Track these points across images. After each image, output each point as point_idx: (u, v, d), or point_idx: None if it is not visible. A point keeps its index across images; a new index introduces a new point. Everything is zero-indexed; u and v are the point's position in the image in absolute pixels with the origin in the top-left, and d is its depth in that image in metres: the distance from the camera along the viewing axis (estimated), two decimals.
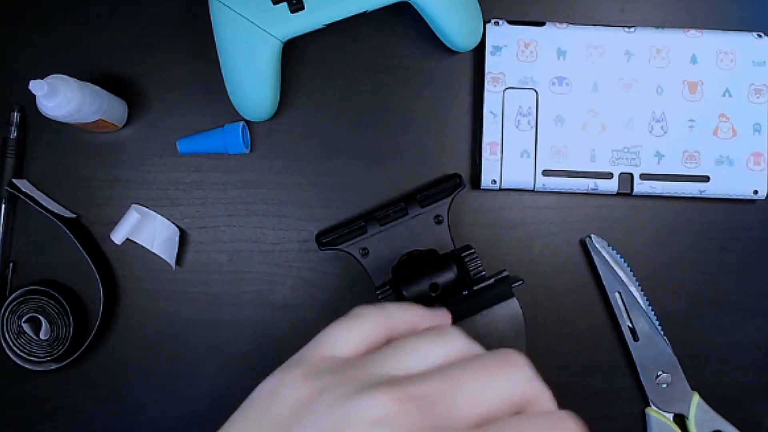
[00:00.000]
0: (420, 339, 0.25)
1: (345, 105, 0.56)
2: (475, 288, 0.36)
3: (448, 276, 0.41)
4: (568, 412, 0.23)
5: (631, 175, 0.55)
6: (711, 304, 0.56)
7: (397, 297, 0.41)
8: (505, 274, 0.37)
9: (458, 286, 0.41)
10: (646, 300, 0.55)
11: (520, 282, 0.36)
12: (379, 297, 0.41)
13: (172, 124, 0.56)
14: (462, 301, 0.36)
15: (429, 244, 0.49)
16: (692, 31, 0.55)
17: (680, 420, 0.55)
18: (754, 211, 0.57)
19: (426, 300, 0.41)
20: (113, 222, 0.55)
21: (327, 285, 0.56)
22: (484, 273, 0.40)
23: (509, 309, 0.34)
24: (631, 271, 0.55)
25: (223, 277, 0.56)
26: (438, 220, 0.49)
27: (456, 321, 0.33)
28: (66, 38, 0.56)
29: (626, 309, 0.55)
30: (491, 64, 0.55)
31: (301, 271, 0.56)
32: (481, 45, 0.55)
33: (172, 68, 0.56)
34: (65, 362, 0.54)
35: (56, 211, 0.54)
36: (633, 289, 0.55)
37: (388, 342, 0.26)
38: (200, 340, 0.56)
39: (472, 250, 0.41)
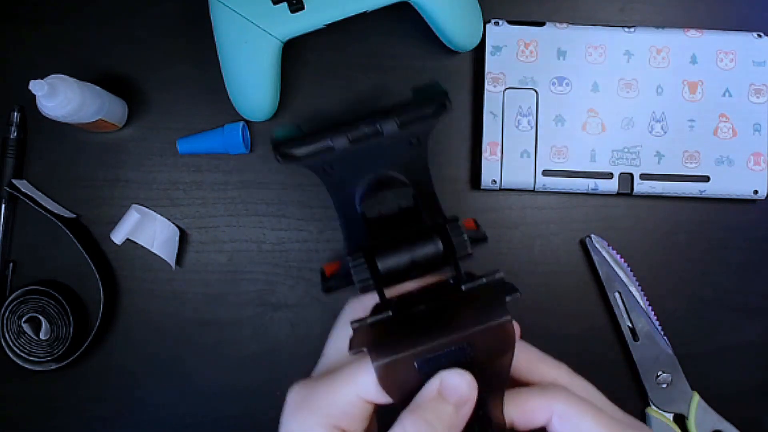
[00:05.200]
0: None
1: (345, 105, 0.56)
2: (464, 288, 0.32)
3: (430, 250, 0.35)
4: None
5: (631, 175, 0.55)
6: (711, 304, 0.56)
7: (371, 270, 0.35)
8: (499, 275, 0.32)
9: (442, 261, 0.36)
10: (646, 300, 0.55)
11: (516, 294, 0.32)
12: (351, 266, 0.35)
13: (172, 124, 0.56)
14: (448, 304, 0.32)
15: (403, 169, 0.43)
16: (692, 31, 0.55)
17: (680, 420, 0.55)
18: (754, 211, 0.57)
19: (403, 276, 0.36)
20: (113, 222, 0.55)
21: None
22: (470, 252, 0.35)
23: (501, 329, 0.30)
24: (631, 271, 0.55)
25: (223, 277, 0.56)
26: (415, 141, 0.43)
27: (444, 332, 0.29)
28: (66, 38, 0.56)
29: (626, 309, 0.55)
30: (491, 64, 0.55)
31: (301, 271, 0.56)
32: (481, 45, 0.55)
33: (172, 68, 0.56)
34: (65, 362, 0.54)
35: (56, 211, 0.54)
36: (633, 289, 0.55)
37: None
38: (200, 340, 0.56)
39: (458, 223, 0.36)
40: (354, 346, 0.29)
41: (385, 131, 0.42)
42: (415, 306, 0.32)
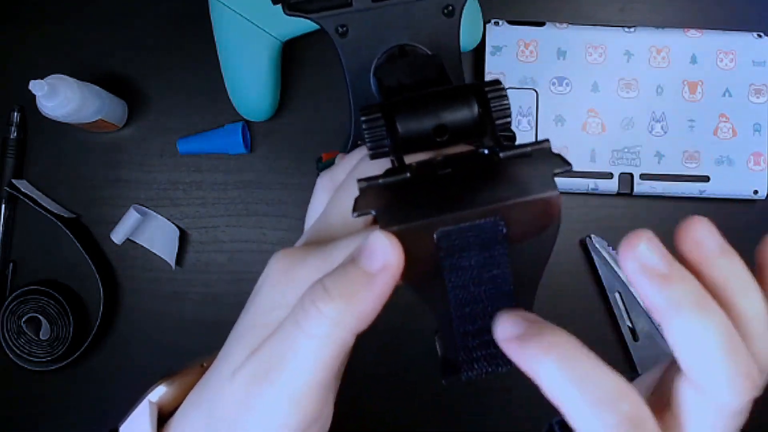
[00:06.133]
0: None
1: (345, 105, 0.56)
2: (502, 155, 0.25)
3: (464, 115, 0.28)
4: None
5: (631, 175, 0.55)
6: None
7: (389, 129, 0.27)
8: (546, 145, 0.25)
9: (474, 132, 0.28)
10: None
11: (568, 168, 0.25)
12: (364, 123, 0.28)
13: (172, 124, 0.56)
14: (481, 172, 0.25)
15: (429, 42, 0.37)
16: (692, 31, 0.55)
17: None
18: (754, 211, 0.57)
19: (426, 145, 0.28)
20: (113, 222, 0.55)
21: None
22: (510, 120, 0.28)
23: (545, 205, 0.23)
24: None
25: (223, 277, 0.56)
26: (448, 11, 0.37)
27: (474, 201, 0.23)
28: (66, 38, 0.56)
29: (626, 309, 0.55)
30: (491, 64, 0.55)
31: None
32: (481, 45, 0.55)
33: (172, 68, 0.56)
34: (65, 362, 0.54)
35: (56, 211, 0.54)
36: (633, 289, 0.55)
37: None
38: (200, 340, 0.56)
39: (500, 86, 0.28)
40: (359, 208, 0.23)
41: None
42: (438, 171, 0.25)
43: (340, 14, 0.36)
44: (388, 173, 0.24)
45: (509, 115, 0.27)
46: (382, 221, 0.23)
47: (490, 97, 0.27)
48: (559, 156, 0.24)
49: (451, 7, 0.37)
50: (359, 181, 0.24)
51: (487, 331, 0.24)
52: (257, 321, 0.25)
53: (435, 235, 0.23)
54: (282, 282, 0.24)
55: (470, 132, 0.28)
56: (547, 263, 0.24)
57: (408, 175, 0.24)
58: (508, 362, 0.23)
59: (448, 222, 0.23)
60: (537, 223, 0.24)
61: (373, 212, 0.23)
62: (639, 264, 0.21)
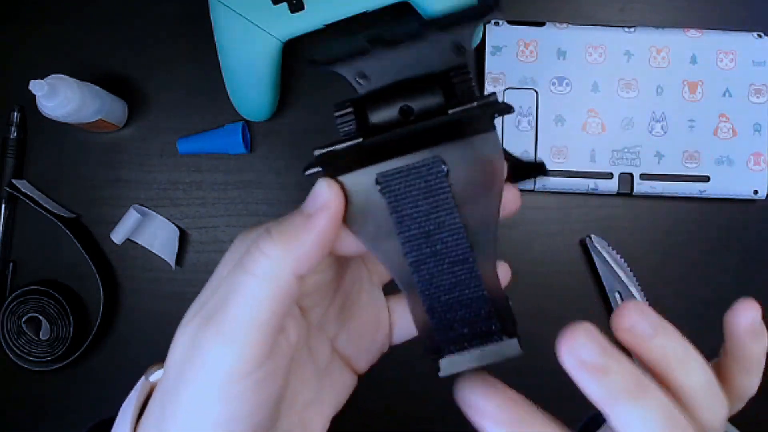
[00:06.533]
0: None
1: None
2: (450, 111, 0.27)
3: (429, 101, 0.30)
4: None
5: (631, 175, 0.55)
6: (711, 304, 0.56)
7: (359, 122, 0.29)
8: (493, 97, 0.27)
9: (441, 115, 0.30)
10: (646, 300, 0.55)
11: (508, 111, 0.27)
12: (337, 119, 0.29)
13: (172, 124, 0.56)
14: (430, 126, 0.27)
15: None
16: (692, 31, 0.55)
17: None
18: (754, 211, 0.57)
19: (398, 129, 0.29)
20: (113, 222, 0.55)
21: None
22: (476, 103, 0.29)
23: (484, 147, 0.25)
24: (631, 271, 0.55)
25: None
26: (458, 50, 0.37)
27: (412, 149, 0.25)
28: (66, 38, 0.56)
29: None
30: (491, 64, 0.55)
31: None
32: (481, 45, 0.55)
33: (171, 68, 0.56)
34: (65, 362, 0.54)
35: (56, 211, 0.54)
36: (633, 289, 0.55)
37: None
38: None
39: (466, 69, 0.30)
40: (310, 168, 0.25)
41: (425, 34, 0.36)
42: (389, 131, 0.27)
43: (360, 63, 0.36)
44: (343, 140, 0.26)
45: (472, 96, 0.28)
46: (327, 173, 0.24)
47: (454, 82, 0.29)
48: (503, 103, 0.26)
49: (461, 46, 0.36)
50: (315, 149, 0.25)
51: (451, 288, 0.24)
52: (214, 277, 0.26)
53: (376, 181, 0.24)
54: (238, 244, 0.26)
55: (437, 115, 0.29)
56: (498, 221, 0.25)
57: (361, 140, 0.26)
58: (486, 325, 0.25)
59: (387, 166, 0.24)
60: (480, 172, 0.25)
61: (321, 169, 0.24)
62: (576, 359, 0.22)
